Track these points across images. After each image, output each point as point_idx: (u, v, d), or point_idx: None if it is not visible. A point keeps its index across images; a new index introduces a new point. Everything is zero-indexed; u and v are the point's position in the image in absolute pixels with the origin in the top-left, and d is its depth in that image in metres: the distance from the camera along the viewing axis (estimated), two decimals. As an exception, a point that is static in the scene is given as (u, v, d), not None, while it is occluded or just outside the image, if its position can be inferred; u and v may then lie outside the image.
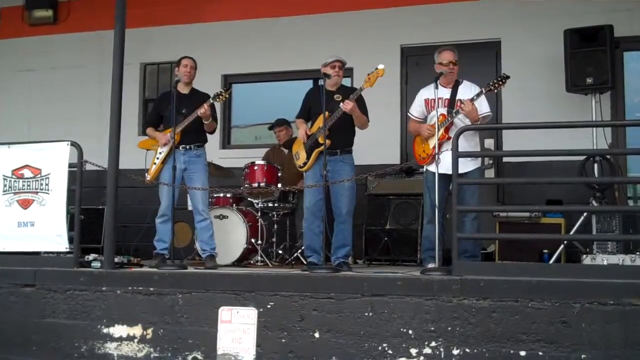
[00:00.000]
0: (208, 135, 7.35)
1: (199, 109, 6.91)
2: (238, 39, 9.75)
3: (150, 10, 9.78)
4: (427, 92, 6.74)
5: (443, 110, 6.59)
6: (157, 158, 7.15)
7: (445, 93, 6.68)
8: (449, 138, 6.33)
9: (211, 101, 7.00)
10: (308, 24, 9.49)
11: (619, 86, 8.23)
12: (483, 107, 6.58)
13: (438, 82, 6.42)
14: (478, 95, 6.46)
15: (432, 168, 6.41)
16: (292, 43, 9.50)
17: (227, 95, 7.18)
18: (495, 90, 6.52)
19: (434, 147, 6.30)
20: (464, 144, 6.25)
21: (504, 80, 6.41)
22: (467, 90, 6.70)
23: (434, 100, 6.48)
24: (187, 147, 7.07)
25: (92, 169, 6.82)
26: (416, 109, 6.87)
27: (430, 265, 6.14)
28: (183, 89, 7.18)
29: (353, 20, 9.34)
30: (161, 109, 7.29)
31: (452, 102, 6.64)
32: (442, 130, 6.41)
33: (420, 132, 6.75)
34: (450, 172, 5.93)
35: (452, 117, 6.48)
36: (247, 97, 10.12)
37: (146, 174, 7.19)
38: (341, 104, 6.61)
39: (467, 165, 6.47)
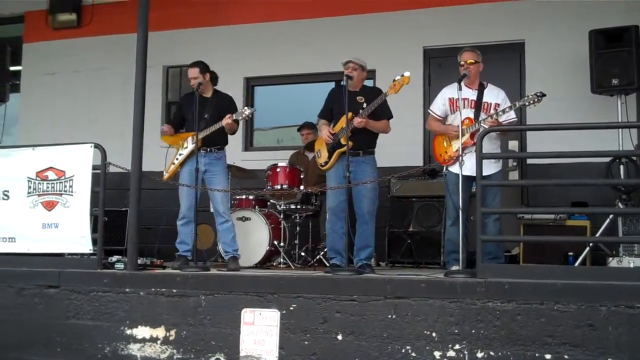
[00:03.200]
0: (230, 137, 7.35)
1: (223, 121, 6.92)
2: (260, 42, 9.76)
3: (173, 13, 9.81)
4: (451, 91, 6.66)
5: (470, 113, 6.56)
6: (177, 158, 7.16)
7: (470, 94, 6.65)
8: (474, 144, 6.31)
9: (235, 117, 7.00)
10: (330, 26, 9.49)
11: (645, 87, 8.13)
12: (510, 113, 6.53)
13: (462, 83, 6.39)
14: (510, 108, 6.43)
15: (454, 169, 6.37)
16: (315, 45, 9.50)
17: (250, 115, 7.16)
18: (529, 107, 6.38)
19: (458, 150, 6.26)
20: (487, 147, 6.21)
21: (540, 99, 6.25)
22: (492, 94, 6.68)
23: (459, 100, 6.44)
24: (208, 149, 7.07)
25: (116, 171, 6.85)
26: (439, 107, 6.78)
27: (454, 268, 6.09)
28: (205, 93, 7.17)
29: (375, 22, 9.32)
30: (184, 111, 7.30)
31: (478, 105, 6.61)
32: (467, 135, 6.39)
33: (446, 132, 6.68)
34: (473, 174, 5.89)
35: (479, 125, 6.43)
36: (269, 99, 10.12)
37: (164, 172, 7.20)
38: (364, 108, 6.58)
39: (489, 168, 6.42)
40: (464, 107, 6.51)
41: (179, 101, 7.71)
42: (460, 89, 6.28)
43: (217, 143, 7.16)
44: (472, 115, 6.57)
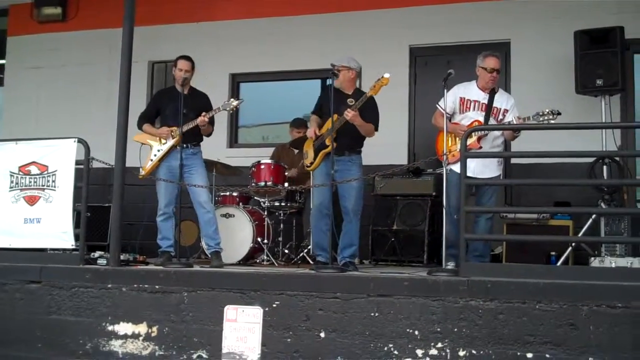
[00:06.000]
0: (215, 133, 7.33)
1: (198, 119, 6.90)
2: (246, 38, 9.74)
3: (159, 8, 9.78)
4: (463, 91, 6.72)
5: (479, 116, 6.64)
6: (155, 155, 7.12)
7: (482, 97, 6.71)
8: (480, 148, 6.38)
9: (211, 114, 6.99)
10: (317, 23, 9.47)
11: (629, 88, 8.17)
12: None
13: (475, 84, 6.61)
14: (524, 120, 6.48)
15: (457, 168, 6.37)
16: (301, 42, 9.48)
17: (238, 106, 7.18)
18: (543, 122, 6.39)
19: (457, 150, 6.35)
20: (489, 149, 6.50)
21: (555, 116, 6.29)
22: (502, 99, 6.75)
23: (470, 101, 6.56)
24: (184, 145, 7.03)
25: (99, 167, 6.82)
26: (448, 104, 6.59)
27: (450, 265, 6.07)
28: (184, 89, 7.15)
29: (362, 20, 9.31)
30: (160, 105, 7.26)
31: (488, 109, 6.67)
32: (474, 138, 6.45)
33: (454, 131, 6.61)
34: (474, 175, 5.98)
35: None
36: (255, 96, 10.09)
37: (140, 169, 7.15)
38: (348, 110, 6.59)
39: (492, 170, 6.59)
40: (474, 109, 6.58)
41: (154, 96, 7.64)
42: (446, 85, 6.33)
43: (194, 139, 7.13)
44: (481, 119, 6.64)
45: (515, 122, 6.54)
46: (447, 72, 6.41)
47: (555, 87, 8.27)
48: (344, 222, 6.81)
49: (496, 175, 6.69)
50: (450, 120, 6.68)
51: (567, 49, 7.95)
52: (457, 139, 6.52)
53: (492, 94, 6.72)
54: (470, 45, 8.54)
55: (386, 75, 6.43)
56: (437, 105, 6.81)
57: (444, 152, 6.22)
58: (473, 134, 6.43)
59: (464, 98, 6.68)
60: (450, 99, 6.66)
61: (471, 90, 6.70)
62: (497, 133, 6.66)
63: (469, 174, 6.08)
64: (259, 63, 9.73)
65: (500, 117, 6.67)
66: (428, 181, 8.04)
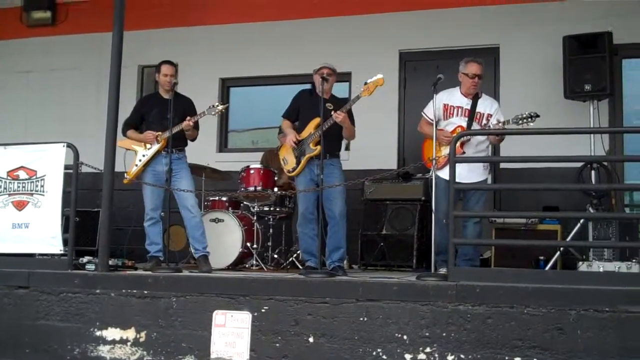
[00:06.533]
0: (205, 138, 7.33)
1: (184, 123, 6.89)
2: (236, 43, 9.75)
3: (149, 12, 9.76)
4: (447, 97, 6.76)
5: (462, 122, 6.69)
6: (140, 160, 7.10)
7: (465, 103, 6.76)
8: (463, 153, 6.42)
9: (196, 118, 6.99)
10: (307, 27, 9.49)
11: (617, 93, 8.22)
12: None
13: (458, 90, 6.67)
14: (503, 124, 6.55)
15: (442, 174, 6.41)
16: (291, 47, 9.49)
17: (223, 110, 7.18)
18: (522, 125, 6.45)
19: (443, 156, 6.43)
20: (473, 154, 6.55)
21: (533, 119, 6.37)
22: (486, 104, 6.81)
23: (453, 107, 6.62)
24: (169, 150, 7.00)
25: (88, 171, 6.81)
26: (432, 111, 6.70)
27: (442, 270, 6.09)
28: (165, 94, 7.13)
29: (352, 24, 9.33)
30: (144, 111, 7.23)
31: (472, 115, 6.71)
32: (457, 144, 6.43)
33: (438, 138, 6.62)
34: (460, 180, 6.01)
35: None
36: (245, 101, 10.10)
37: (125, 175, 7.13)
38: (333, 113, 6.60)
39: (478, 175, 6.61)
40: (458, 115, 6.65)
41: (138, 103, 7.63)
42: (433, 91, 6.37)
43: (179, 144, 7.11)
44: (464, 124, 6.70)
45: (495, 126, 6.58)
46: (436, 77, 6.45)
47: (544, 92, 8.30)
48: (329, 225, 6.81)
49: (482, 179, 6.71)
50: (436, 127, 6.72)
51: (555, 54, 7.98)
52: (441, 146, 6.62)
53: (475, 99, 6.77)
54: (460, 50, 8.56)
55: (379, 76, 6.47)
56: (422, 113, 6.92)
57: (433, 157, 6.27)
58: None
59: (448, 104, 6.73)
60: (434, 107, 6.71)
61: (454, 97, 6.75)
62: (481, 138, 6.69)
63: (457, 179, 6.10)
64: (249, 68, 9.74)
65: (484, 121, 6.72)
66: (417, 186, 8.05)
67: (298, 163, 6.88)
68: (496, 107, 6.81)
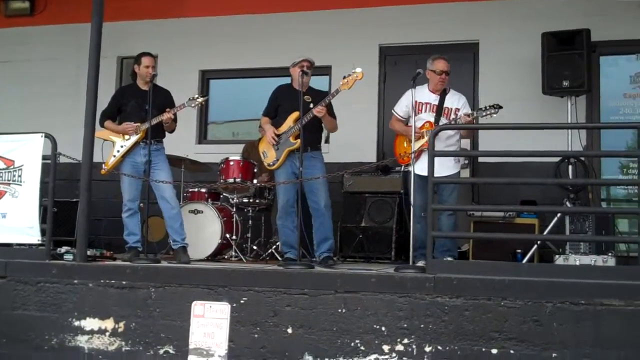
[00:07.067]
0: (184, 130, 7.32)
1: (163, 115, 6.89)
2: (217, 35, 9.71)
3: (129, 3, 9.69)
4: (415, 94, 6.78)
5: (431, 117, 6.82)
6: (118, 151, 7.06)
7: (433, 99, 6.90)
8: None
9: (176, 110, 6.99)
10: (287, 21, 9.47)
11: (595, 89, 8.29)
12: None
13: (427, 87, 6.80)
14: (468, 114, 6.74)
15: (415, 170, 6.48)
16: (271, 40, 9.48)
17: (203, 102, 7.17)
18: (486, 117, 6.70)
19: (416, 151, 6.51)
20: (445, 147, 6.62)
21: (497, 110, 6.58)
22: (453, 99, 6.94)
23: (421, 103, 6.72)
24: (147, 141, 6.99)
25: (66, 162, 6.80)
26: (402, 108, 7.00)
27: (421, 263, 6.13)
28: (143, 86, 7.11)
29: (332, 18, 9.33)
30: (121, 103, 7.21)
31: (439, 110, 6.84)
32: (427, 138, 6.55)
33: (407, 134, 6.82)
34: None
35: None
36: (225, 93, 10.07)
37: (103, 165, 7.10)
38: (312, 108, 6.62)
39: (449, 168, 6.71)
40: (426, 110, 6.77)
41: (115, 93, 7.60)
42: (414, 87, 6.51)
43: (157, 135, 7.09)
44: (432, 120, 6.83)
45: (464, 118, 6.73)
46: (415, 72, 6.51)
47: (523, 88, 8.36)
48: (314, 218, 6.85)
49: (454, 172, 6.84)
50: (407, 124, 6.92)
51: (534, 50, 8.03)
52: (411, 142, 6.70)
53: (443, 95, 6.92)
54: (439, 45, 8.59)
55: (359, 70, 6.56)
56: (393, 111, 7.10)
57: (412, 151, 6.36)
58: (425, 135, 6.65)
59: (416, 101, 6.81)
60: (404, 103, 6.97)
61: (423, 94, 6.86)
62: (451, 132, 6.81)
63: (425, 173, 6.18)
64: (229, 60, 9.72)
65: (453, 116, 6.88)
66: (396, 179, 8.08)
67: (278, 157, 6.88)
68: (464, 101, 6.96)
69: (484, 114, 6.64)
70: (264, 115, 7.20)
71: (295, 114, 6.71)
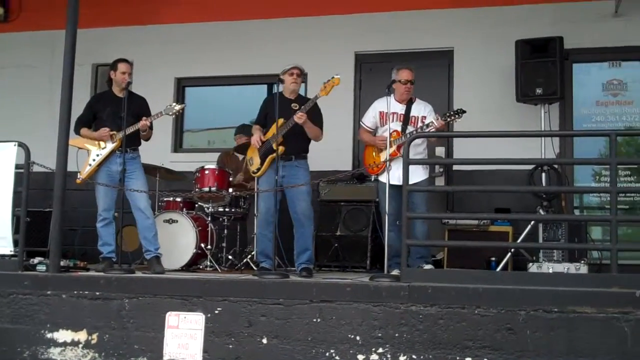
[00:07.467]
0: (160, 138, 7.28)
1: (139, 123, 6.85)
2: (192, 42, 9.67)
3: (103, 10, 9.63)
4: (381, 105, 6.94)
5: (397, 126, 6.87)
6: (93, 160, 7.01)
7: (399, 109, 6.96)
8: (400, 155, 6.51)
9: (152, 118, 6.95)
10: (263, 28, 9.46)
11: (568, 97, 8.35)
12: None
13: (393, 98, 6.78)
14: (427, 125, 6.81)
15: (383, 179, 6.57)
16: (247, 47, 9.46)
17: (181, 110, 7.15)
18: (450, 122, 6.86)
19: (385, 161, 6.52)
20: (413, 155, 6.50)
21: (460, 115, 6.72)
22: (419, 108, 7.02)
23: (388, 114, 6.73)
24: (123, 150, 6.94)
25: (40, 171, 6.72)
26: (369, 119, 7.13)
27: (396, 272, 6.14)
28: (119, 93, 7.06)
29: (308, 25, 9.32)
30: (97, 109, 7.14)
31: (406, 119, 6.91)
32: (394, 147, 6.65)
33: (374, 143, 6.96)
34: (400, 182, 6.07)
35: (405, 137, 6.75)
36: (200, 101, 10.04)
37: (78, 175, 7.04)
38: (297, 113, 6.63)
39: (418, 175, 6.73)
40: (393, 120, 6.81)
41: (90, 100, 7.54)
42: (389, 95, 6.63)
43: (133, 143, 7.04)
44: (399, 129, 6.91)
45: (431, 126, 6.79)
46: (391, 79, 6.54)
47: (497, 95, 8.42)
48: (295, 227, 6.84)
49: (423, 179, 6.89)
50: (375, 134, 7.04)
51: (508, 58, 8.08)
52: (379, 151, 6.91)
53: (409, 104, 7.00)
54: (415, 52, 8.65)
55: (337, 76, 6.61)
56: (361, 123, 7.24)
57: (386, 159, 6.40)
58: (394, 143, 6.70)
59: (383, 112, 6.91)
60: (371, 114, 7.11)
61: (389, 104, 6.83)
62: (418, 140, 6.83)
63: (394, 182, 6.38)
64: (205, 67, 9.68)
65: (420, 124, 6.94)
66: (371, 187, 8.06)
67: (262, 164, 6.87)
68: (429, 109, 7.02)
69: (449, 119, 6.75)
70: (254, 124, 7.22)
71: (279, 121, 6.69)
